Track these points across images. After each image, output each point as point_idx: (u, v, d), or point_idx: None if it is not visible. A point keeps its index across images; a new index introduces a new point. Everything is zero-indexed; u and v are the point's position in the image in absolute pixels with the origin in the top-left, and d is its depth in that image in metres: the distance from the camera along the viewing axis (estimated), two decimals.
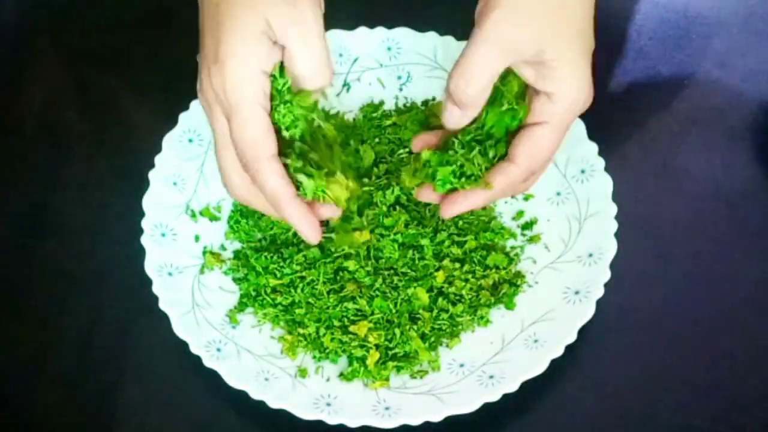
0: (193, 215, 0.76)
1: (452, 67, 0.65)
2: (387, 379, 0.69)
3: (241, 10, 0.62)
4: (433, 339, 0.71)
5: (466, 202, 0.67)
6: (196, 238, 0.75)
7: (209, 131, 0.78)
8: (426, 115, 0.80)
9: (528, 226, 0.76)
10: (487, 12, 0.62)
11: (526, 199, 0.77)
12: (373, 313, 0.71)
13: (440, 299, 0.72)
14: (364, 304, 0.71)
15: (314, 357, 0.71)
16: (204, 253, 0.75)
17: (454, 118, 0.65)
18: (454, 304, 0.72)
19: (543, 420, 0.69)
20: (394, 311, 0.71)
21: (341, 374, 0.70)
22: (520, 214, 0.77)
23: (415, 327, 0.71)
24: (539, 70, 0.63)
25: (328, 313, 0.71)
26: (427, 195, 0.68)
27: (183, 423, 0.70)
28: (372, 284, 0.72)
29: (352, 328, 0.70)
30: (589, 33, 0.65)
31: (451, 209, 0.67)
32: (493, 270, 0.73)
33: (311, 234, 0.66)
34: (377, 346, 0.70)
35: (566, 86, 0.64)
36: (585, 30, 0.64)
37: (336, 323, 0.71)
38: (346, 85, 0.83)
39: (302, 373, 0.70)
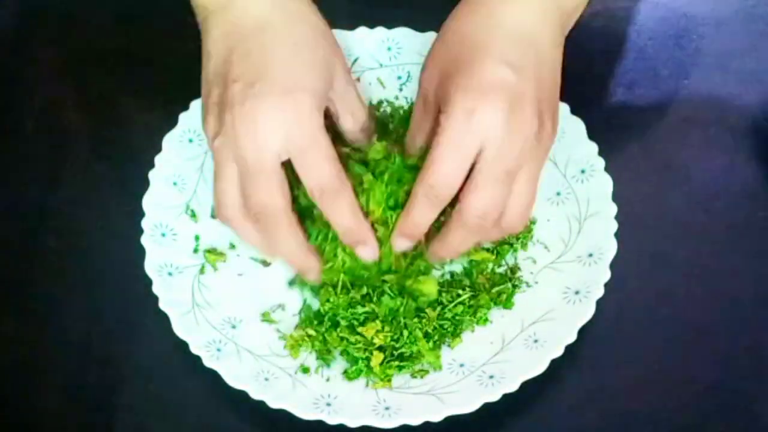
0: (193, 215, 0.76)
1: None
2: (390, 380, 0.69)
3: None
4: (436, 338, 0.71)
5: (433, 258, 0.71)
6: (196, 238, 0.75)
7: None
8: None
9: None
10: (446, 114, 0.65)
11: None
12: (377, 317, 0.71)
13: (443, 294, 0.72)
14: (373, 306, 0.71)
15: (318, 357, 0.71)
16: (205, 252, 0.75)
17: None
18: (454, 299, 0.72)
19: (543, 420, 0.69)
20: (401, 309, 0.71)
21: (345, 372, 0.70)
22: None
23: (419, 325, 0.71)
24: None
25: (337, 313, 0.71)
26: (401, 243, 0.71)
27: (183, 423, 0.70)
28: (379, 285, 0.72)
29: (360, 329, 0.70)
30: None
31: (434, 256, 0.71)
32: (483, 269, 0.74)
33: (314, 276, 0.71)
34: (382, 348, 0.70)
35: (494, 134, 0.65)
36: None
37: (344, 323, 0.71)
38: None
39: (304, 370, 0.70)
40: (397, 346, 0.70)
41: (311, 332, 0.71)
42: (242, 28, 0.68)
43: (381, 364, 0.69)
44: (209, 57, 0.69)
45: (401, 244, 0.69)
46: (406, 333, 0.70)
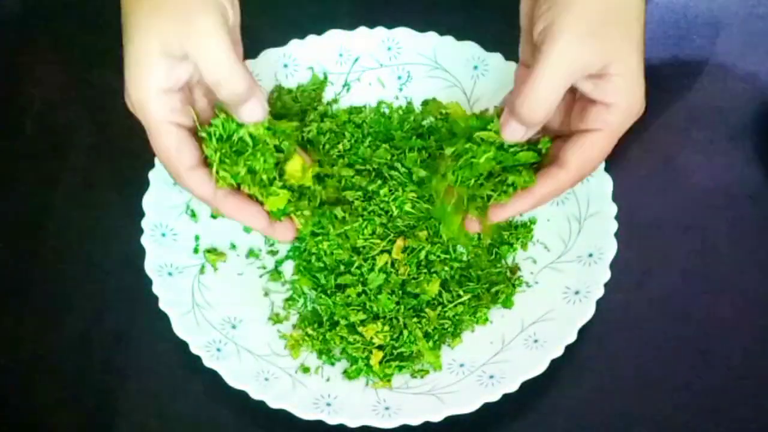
0: (193, 215, 0.76)
1: (518, 88, 0.65)
2: (389, 380, 0.69)
3: (137, 33, 0.64)
4: (437, 337, 0.71)
5: (513, 207, 0.67)
6: (196, 238, 0.75)
7: None
8: (423, 117, 0.81)
9: (526, 225, 0.76)
10: (552, 37, 0.63)
11: None
12: (378, 316, 0.71)
13: (443, 294, 0.72)
14: (371, 307, 0.71)
15: (319, 356, 0.71)
16: (205, 252, 0.75)
17: (517, 135, 0.66)
18: (454, 299, 0.72)
19: (543, 420, 0.69)
20: (401, 310, 0.71)
21: (345, 371, 0.70)
22: None
23: (419, 325, 0.71)
24: (599, 83, 0.64)
25: (336, 312, 0.71)
26: (473, 225, 0.69)
27: (183, 423, 0.70)
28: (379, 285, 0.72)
29: (360, 329, 0.70)
30: (643, 42, 0.65)
31: (500, 214, 0.68)
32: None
33: (258, 223, 0.68)
34: (381, 347, 0.70)
35: (625, 96, 0.65)
36: (640, 41, 0.65)
37: (343, 322, 0.71)
38: (347, 86, 0.83)
39: (304, 370, 0.70)
40: (397, 345, 0.70)
41: (311, 332, 0.71)
42: None
43: (381, 363, 0.69)
44: None
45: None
46: (406, 333, 0.70)
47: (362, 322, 0.71)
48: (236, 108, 0.65)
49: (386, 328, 0.70)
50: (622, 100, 0.65)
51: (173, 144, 0.66)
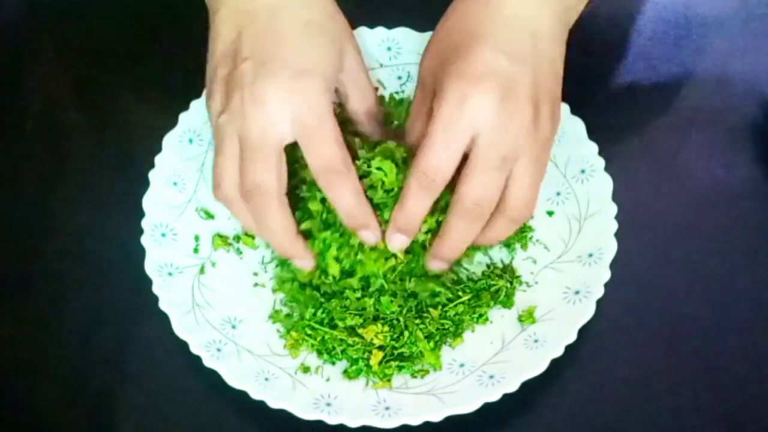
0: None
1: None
2: (389, 380, 0.69)
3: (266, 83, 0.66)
4: (438, 338, 0.71)
5: (434, 265, 0.70)
6: (196, 238, 0.75)
7: (209, 131, 0.78)
8: None
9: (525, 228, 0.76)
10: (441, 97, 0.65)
11: None
12: (378, 318, 0.71)
13: (442, 294, 0.72)
14: (371, 309, 0.71)
15: (319, 356, 0.71)
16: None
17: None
18: (454, 298, 0.72)
19: (543, 420, 0.69)
20: (402, 311, 0.71)
21: (345, 371, 0.70)
22: None
23: (422, 326, 0.71)
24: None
25: (335, 314, 0.71)
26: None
27: (183, 423, 0.70)
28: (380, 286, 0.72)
29: (360, 331, 0.70)
30: None
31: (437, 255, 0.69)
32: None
33: (308, 264, 0.70)
34: (382, 347, 0.70)
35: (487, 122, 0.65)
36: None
37: (341, 324, 0.71)
38: None
39: (305, 370, 0.70)
40: (397, 346, 0.70)
41: (310, 332, 0.71)
42: (252, 8, 0.68)
43: (380, 363, 0.69)
44: (218, 36, 0.69)
45: (397, 241, 0.69)
46: (406, 334, 0.70)
47: (362, 324, 0.71)
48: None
49: (386, 328, 0.70)
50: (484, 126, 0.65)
51: (275, 170, 0.66)
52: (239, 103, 0.66)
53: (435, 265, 0.70)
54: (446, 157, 0.65)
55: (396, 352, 0.70)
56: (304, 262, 0.70)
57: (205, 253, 0.75)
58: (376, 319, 0.71)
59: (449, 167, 0.65)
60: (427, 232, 0.69)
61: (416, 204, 0.67)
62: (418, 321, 0.71)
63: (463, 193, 0.65)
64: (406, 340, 0.70)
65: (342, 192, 0.67)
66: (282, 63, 0.66)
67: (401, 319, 0.71)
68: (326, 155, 0.66)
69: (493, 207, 0.66)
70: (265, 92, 0.65)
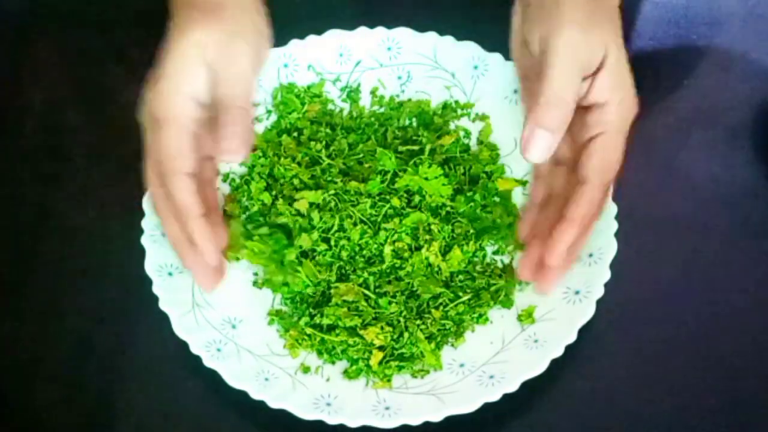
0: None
1: (531, 101, 0.66)
2: (389, 380, 0.69)
3: (185, 39, 0.68)
4: (439, 339, 0.71)
5: (560, 241, 0.67)
6: None
7: None
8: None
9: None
10: (555, 32, 0.64)
11: None
12: (378, 318, 0.71)
13: (446, 292, 0.72)
14: (370, 311, 0.71)
15: (319, 356, 0.71)
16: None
17: (542, 146, 0.65)
18: (455, 298, 0.72)
19: (543, 420, 0.69)
20: (402, 312, 0.71)
21: (345, 371, 0.70)
22: None
23: (423, 327, 0.71)
24: (591, 84, 0.66)
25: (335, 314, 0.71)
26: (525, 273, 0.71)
27: (183, 423, 0.70)
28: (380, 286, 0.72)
29: (361, 332, 0.70)
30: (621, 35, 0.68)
31: (553, 254, 0.68)
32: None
33: (210, 253, 0.69)
34: (382, 348, 0.70)
35: (616, 92, 0.66)
36: (620, 32, 0.67)
37: (341, 324, 0.71)
38: (347, 87, 0.83)
39: (305, 370, 0.70)
40: (397, 346, 0.70)
41: (309, 331, 0.71)
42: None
43: (380, 363, 0.69)
44: None
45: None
46: (406, 335, 0.70)
47: (363, 325, 0.71)
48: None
49: (387, 328, 0.70)
50: (614, 96, 0.66)
51: (183, 145, 0.67)
52: (149, 90, 0.70)
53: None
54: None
55: (396, 353, 0.70)
56: (209, 248, 0.69)
57: None
58: (376, 319, 0.71)
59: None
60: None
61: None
62: (419, 321, 0.71)
63: (598, 157, 0.66)
64: (406, 340, 0.70)
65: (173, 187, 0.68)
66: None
67: (401, 319, 0.71)
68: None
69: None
70: (161, 73, 0.69)
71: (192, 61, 0.67)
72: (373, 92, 0.82)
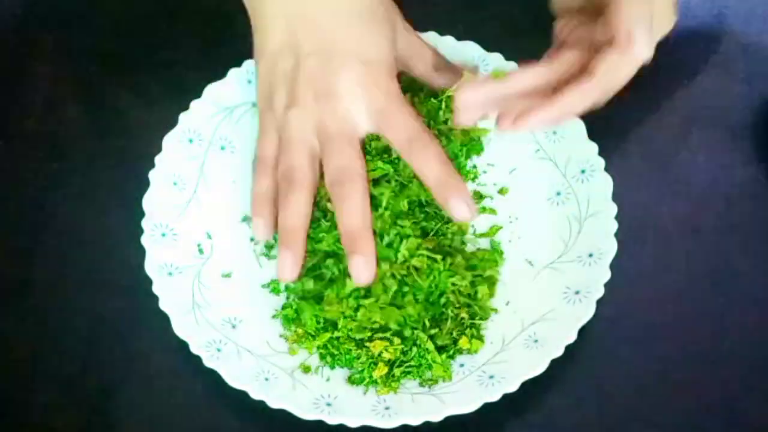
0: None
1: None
2: (395, 388, 0.69)
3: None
4: (452, 352, 0.70)
5: (537, 115, 0.68)
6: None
7: (209, 131, 0.79)
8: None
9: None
10: None
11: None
12: (387, 329, 0.70)
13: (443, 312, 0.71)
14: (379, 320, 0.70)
15: (321, 359, 0.70)
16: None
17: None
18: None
19: (543, 420, 0.69)
20: (412, 321, 0.70)
21: (349, 378, 0.69)
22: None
23: (438, 332, 0.70)
24: None
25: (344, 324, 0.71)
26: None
27: (183, 423, 0.70)
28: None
29: (368, 344, 0.70)
30: None
31: (524, 123, 0.68)
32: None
33: (367, 261, 0.68)
34: (390, 361, 0.69)
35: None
36: None
37: (348, 335, 0.70)
38: None
39: (305, 369, 0.70)
40: (405, 359, 0.70)
41: (311, 331, 0.71)
42: (300, 3, 0.71)
43: (386, 376, 0.69)
44: (266, 32, 0.72)
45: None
46: (415, 350, 0.69)
47: (370, 338, 0.70)
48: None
49: (396, 341, 0.70)
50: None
51: (362, 157, 0.70)
52: (312, 99, 0.69)
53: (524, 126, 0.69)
54: None
55: (405, 365, 0.70)
56: (363, 262, 0.68)
57: (207, 253, 0.75)
58: (383, 330, 0.70)
59: None
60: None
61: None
62: (434, 331, 0.69)
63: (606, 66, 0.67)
64: (415, 353, 0.69)
65: (428, 158, 0.69)
66: (347, 55, 0.69)
67: (414, 332, 0.70)
68: (408, 127, 0.69)
69: None
70: (338, 86, 0.69)
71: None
72: None
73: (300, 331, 0.71)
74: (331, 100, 0.69)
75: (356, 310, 0.69)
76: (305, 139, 0.70)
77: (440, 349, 0.70)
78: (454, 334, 0.70)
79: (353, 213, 0.68)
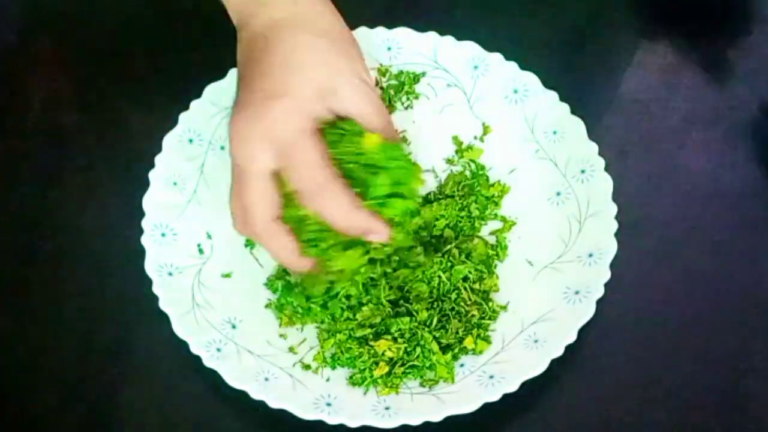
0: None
1: None
2: (395, 388, 0.69)
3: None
4: (456, 351, 0.70)
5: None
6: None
7: (209, 131, 0.78)
8: None
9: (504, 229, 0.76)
10: None
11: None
12: (388, 331, 0.71)
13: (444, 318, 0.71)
14: (382, 324, 0.71)
15: (322, 361, 0.71)
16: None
17: None
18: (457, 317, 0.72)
19: (543, 420, 0.69)
20: (415, 324, 0.71)
21: (350, 378, 0.70)
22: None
23: (444, 332, 0.70)
24: None
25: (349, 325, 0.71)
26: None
27: (183, 423, 0.70)
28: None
29: (372, 343, 0.70)
30: None
31: None
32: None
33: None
34: (392, 360, 0.69)
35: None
36: None
37: (352, 334, 0.70)
38: None
39: (305, 367, 0.70)
40: (408, 359, 0.70)
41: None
42: (253, 35, 0.69)
43: (387, 375, 0.69)
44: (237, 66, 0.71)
45: None
46: (418, 350, 0.70)
47: (374, 337, 0.70)
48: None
49: (400, 340, 0.70)
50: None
51: (266, 194, 0.66)
52: (260, 114, 0.66)
53: None
54: None
55: (407, 364, 0.70)
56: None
57: (207, 253, 0.75)
58: (387, 331, 0.70)
59: None
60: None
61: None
62: (441, 331, 0.70)
63: None
64: (418, 353, 0.70)
65: (332, 211, 0.66)
66: (254, 91, 0.67)
67: (418, 331, 0.70)
68: (307, 178, 0.65)
69: None
70: (238, 124, 0.66)
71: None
72: None
73: (288, 311, 0.71)
74: (236, 138, 0.67)
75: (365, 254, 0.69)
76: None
77: (444, 349, 0.70)
78: (460, 333, 0.70)
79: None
